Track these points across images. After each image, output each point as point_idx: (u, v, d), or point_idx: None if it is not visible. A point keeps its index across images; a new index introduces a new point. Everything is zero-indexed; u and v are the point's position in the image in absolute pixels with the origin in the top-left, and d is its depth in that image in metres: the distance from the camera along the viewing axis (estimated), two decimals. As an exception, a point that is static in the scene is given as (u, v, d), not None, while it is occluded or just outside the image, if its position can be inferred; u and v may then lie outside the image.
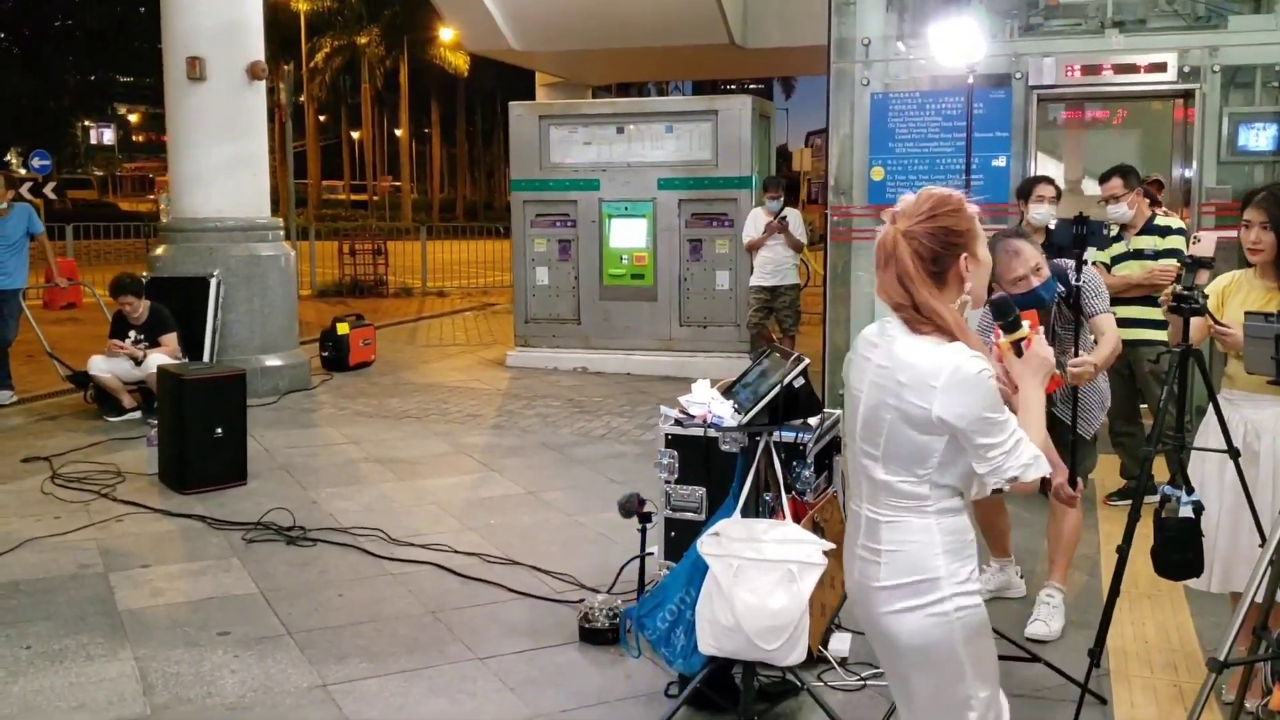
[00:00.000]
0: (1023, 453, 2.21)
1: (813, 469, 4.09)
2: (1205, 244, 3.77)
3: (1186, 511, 3.33)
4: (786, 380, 4.11)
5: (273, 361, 9.19)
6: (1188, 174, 7.63)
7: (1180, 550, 3.38)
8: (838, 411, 4.33)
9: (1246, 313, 3.36)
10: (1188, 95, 7.47)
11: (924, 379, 2.20)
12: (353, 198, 54.10)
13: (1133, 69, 7.43)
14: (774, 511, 3.97)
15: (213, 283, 8.88)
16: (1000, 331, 2.44)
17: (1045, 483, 4.56)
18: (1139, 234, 5.94)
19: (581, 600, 4.36)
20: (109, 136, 61.11)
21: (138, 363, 7.95)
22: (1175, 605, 4.51)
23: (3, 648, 4.15)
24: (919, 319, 2.24)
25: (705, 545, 3.43)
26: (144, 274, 8.84)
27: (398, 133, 54.30)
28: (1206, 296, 3.49)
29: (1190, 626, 4.33)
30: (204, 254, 8.99)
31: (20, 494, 6.21)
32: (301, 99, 40.81)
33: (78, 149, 55.72)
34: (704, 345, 10.35)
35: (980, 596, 2.32)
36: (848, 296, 7.98)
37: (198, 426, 6.27)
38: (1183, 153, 7.78)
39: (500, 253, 18.21)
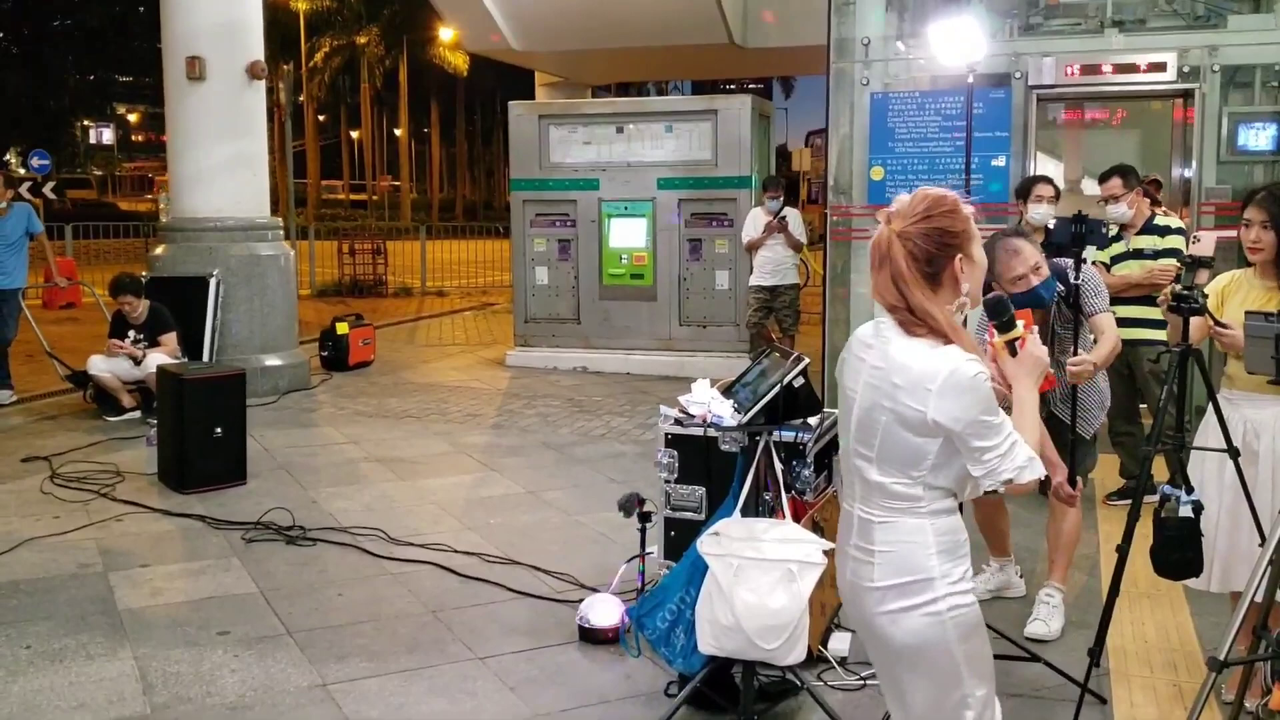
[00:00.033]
0: (1018, 455, 2.21)
1: (813, 468, 4.09)
2: (1205, 243, 3.77)
3: (1186, 511, 3.33)
4: (786, 380, 4.11)
5: (272, 361, 9.19)
6: (1187, 174, 7.63)
7: (1180, 550, 3.38)
8: (837, 411, 4.33)
9: (1247, 312, 3.36)
10: (1187, 95, 7.47)
11: (919, 382, 2.20)
12: (352, 197, 54.11)
13: (1132, 69, 7.43)
14: (774, 511, 3.97)
15: (212, 282, 8.88)
16: (995, 331, 2.44)
17: (1045, 482, 4.57)
18: (1138, 234, 5.94)
19: (581, 600, 4.36)
20: (108, 136, 61.02)
21: (137, 362, 7.95)
22: (1175, 605, 4.51)
23: (3, 647, 4.15)
24: (913, 321, 2.23)
25: (705, 545, 3.43)
26: (143, 274, 8.84)
27: (397, 132, 54.30)
28: (1206, 296, 3.49)
29: (1190, 626, 4.33)
30: (203, 254, 8.99)
31: (20, 494, 6.21)
32: (301, 99, 40.76)
33: (77, 149, 55.67)
34: (703, 345, 10.36)
35: (974, 596, 2.32)
36: (847, 296, 7.98)
37: (197, 426, 6.27)
38: (1182, 152, 7.78)
39: (500, 252, 18.22)
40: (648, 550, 4.24)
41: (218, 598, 4.68)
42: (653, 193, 10.37)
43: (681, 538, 4.32)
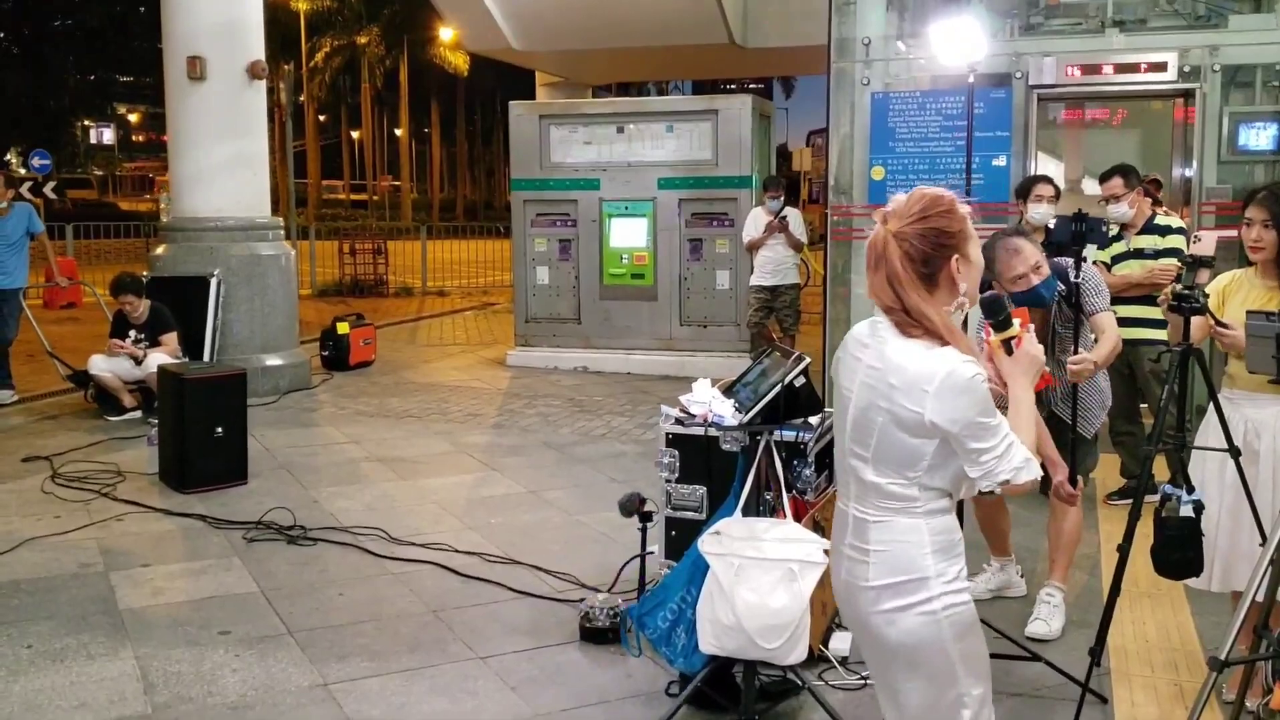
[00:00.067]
0: (1014, 456, 2.21)
1: (814, 468, 4.09)
2: (1206, 243, 3.77)
3: (1187, 511, 3.33)
4: (787, 379, 4.12)
5: (273, 361, 9.19)
6: (1188, 173, 7.63)
7: (1180, 549, 3.37)
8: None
9: (1248, 311, 3.36)
10: (1188, 95, 7.47)
11: (916, 383, 2.19)
12: (353, 197, 54.12)
13: (1133, 68, 7.43)
14: (775, 510, 3.98)
15: (213, 282, 8.88)
16: (991, 329, 2.43)
17: (1046, 482, 4.58)
18: (1139, 233, 5.94)
19: (582, 599, 4.36)
20: (109, 136, 61.04)
21: (138, 362, 7.95)
22: (1176, 604, 4.51)
23: (4, 647, 4.15)
24: (909, 322, 2.23)
25: (706, 544, 3.43)
26: (144, 273, 8.84)
27: (397, 132, 54.30)
28: (1207, 296, 3.49)
29: (1191, 625, 4.33)
30: (204, 253, 8.99)
31: (21, 493, 6.21)
32: (301, 99, 40.78)
33: (77, 149, 55.66)
34: (704, 345, 10.36)
35: (969, 595, 2.32)
36: (848, 296, 7.98)
37: (198, 426, 6.27)
38: (1183, 152, 7.78)
39: (500, 252, 18.22)
40: (649, 550, 4.24)
41: (219, 597, 4.69)
42: (653, 193, 10.37)
43: (682, 537, 4.32)
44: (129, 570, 5.00)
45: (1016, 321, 2.41)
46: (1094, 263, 5.38)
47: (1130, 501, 3.72)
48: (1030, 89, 7.61)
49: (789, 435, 4.10)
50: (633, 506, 4.11)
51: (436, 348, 12.42)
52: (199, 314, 8.76)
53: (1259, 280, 3.59)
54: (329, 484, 6.45)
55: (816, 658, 3.88)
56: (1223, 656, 2.92)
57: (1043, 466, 4.48)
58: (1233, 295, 3.63)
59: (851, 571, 2.35)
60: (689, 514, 4.46)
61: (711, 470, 4.39)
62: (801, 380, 4.17)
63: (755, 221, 9.57)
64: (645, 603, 3.73)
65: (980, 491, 2.27)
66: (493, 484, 6.53)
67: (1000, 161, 7.58)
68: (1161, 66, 7.35)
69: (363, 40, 44.50)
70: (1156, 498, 3.48)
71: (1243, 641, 3.15)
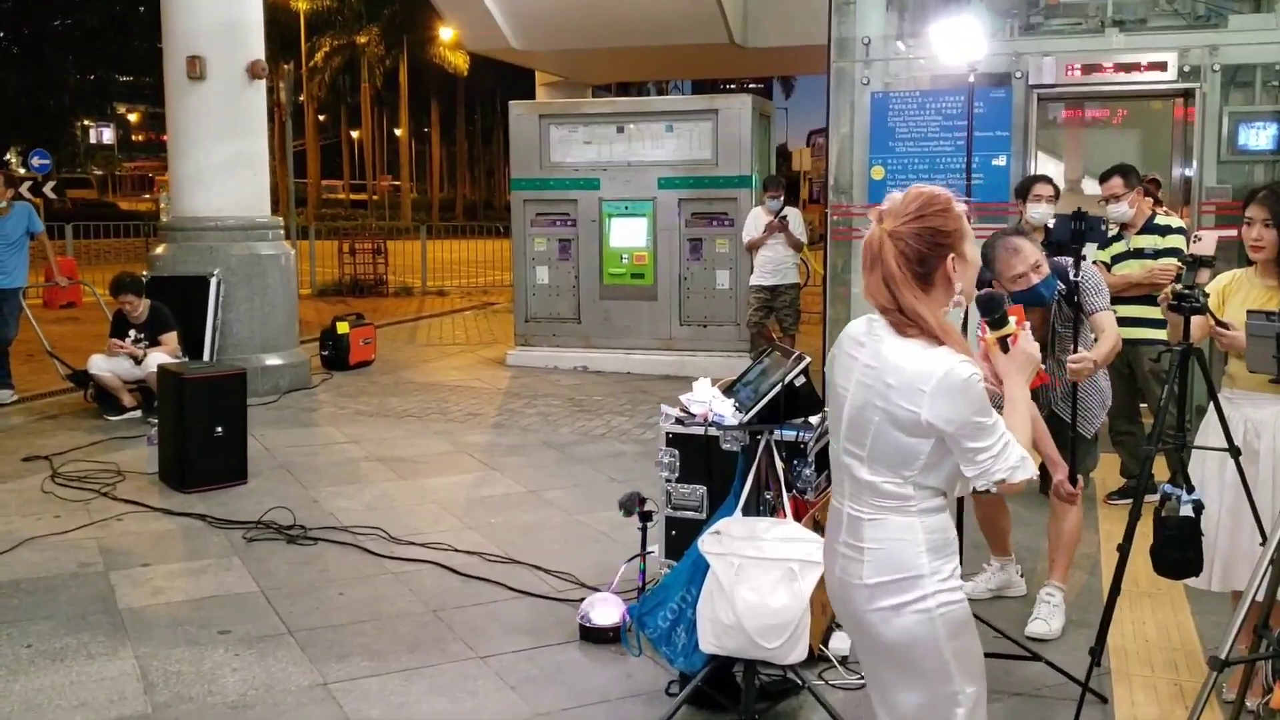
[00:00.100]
0: (1010, 455, 2.21)
1: (814, 467, 4.09)
2: (1206, 242, 3.77)
3: (1187, 510, 3.33)
4: (787, 379, 4.12)
5: (273, 360, 9.19)
6: (1188, 173, 7.64)
7: (1180, 549, 3.38)
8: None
9: (1249, 311, 3.36)
10: (1188, 94, 7.47)
11: (913, 383, 2.19)
12: (352, 197, 54.12)
13: (1133, 68, 7.43)
14: (775, 510, 3.98)
15: (213, 282, 8.88)
16: (987, 327, 2.43)
17: (1046, 481, 4.58)
18: (1139, 233, 5.94)
19: (582, 599, 4.36)
20: (108, 136, 61.07)
21: (138, 362, 7.95)
22: (1176, 604, 4.51)
23: (4, 646, 4.15)
24: (905, 322, 2.23)
25: (706, 544, 3.43)
26: (144, 273, 8.84)
27: (397, 132, 54.30)
28: (1207, 295, 3.49)
29: (1191, 625, 4.33)
30: (204, 253, 8.99)
31: (20, 493, 6.21)
32: (301, 98, 40.76)
33: (77, 148, 55.69)
34: (704, 344, 10.36)
35: (963, 593, 2.31)
36: (848, 296, 7.98)
37: (198, 425, 6.27)
38: (1183, 152, 7.79)
39: (500, 252, 18.22)
40: (649, 549, 4.24)
41: (219, 597, 4.69)
42: (653, 192, 10.37)
43: (682, 537, 4.33)
44: (129, 570, 5.00)
45: (1012, 319, 2.41)
46: (1094, 262, 5.37)
47: (1130, 501, 3.72)
48: (1030, 89, 7.61)
49: (789, 435, 4.10)
50: (633, 506, 4.11)
51: (436, 347, 12.42)
52: (199, 314, 8.76)
53: (1259, 280, 3.59)
54: (329, 483, 6.45)
55: (816, 657, 3.87)
56: (1223, 656, 2.92)
57: (1042, 466, 4.50)
58: (1233, 295, 3.63)
59: (846, 569, 2.35)
60: (689, 513, 4.46)
61: (712, 470, 4.39)
62: (801, 380, 4.17)
63: (755, 221, 9.57)
64: (645, 602, 3.73)
65: (975, 490, 2.27)
66: (493, 483, 6.53)
67: (1000, 161, 7.58)
68: (1161, 66, 7.36)
69: (362, 40, 44.49)
70: (1156, 497, 3.48)
71: (1243, 641, 3.15)
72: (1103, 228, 4.61)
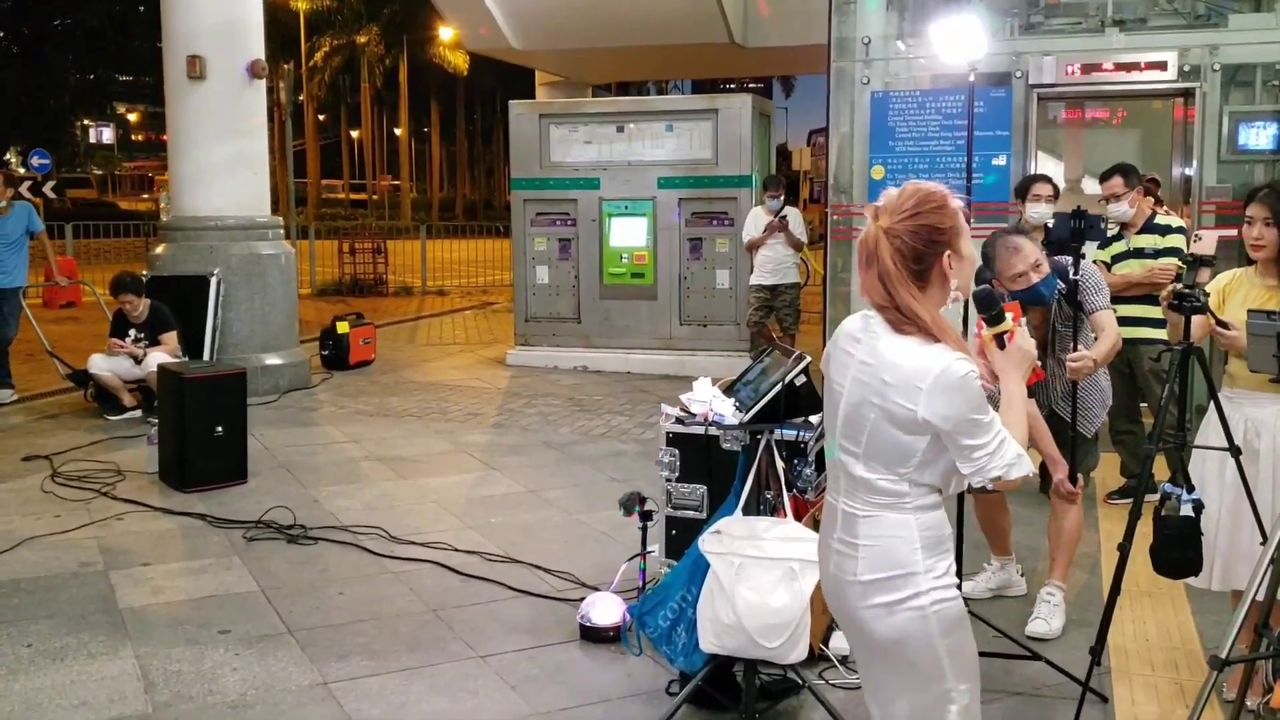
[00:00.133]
0: (1006, 452, 2.21)
1: (814, 467, 4.09)
2: (1206, 242, 3.77)
3: (1187, 510, 3.33)
4: (787, 378, 4.12)
5: (273, 360, 9.19)
6: (1188, 173, 7.64)
7: (1180, 548, 3.37)
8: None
9: (1250, 310, 3.36)
10: (1188, 94, 7.48)
11: (910, 380, 2.19)
12: (352, 197, 54.12)
13: (1133, 68, 7.44)
14: (775, 509, 3.98)
15: (213, 281, 8.88)
16: (983, 324, 2.43)
17: (1046, 480, 4.58)
18: (1139, 232, 5.94)
19: (583, 599, 4.36)
20: (108, 135, 61.00)
21: (138, 361, 7.95)
22: (1176, 603, 4.51)
23: (4, 646, 4.15)
24: (902, 319, 2.22)
25: (707, 543, 3.43)
26: (144, 273, 8.84)
27: (397, 132, 54.30)
28: (1208, 295, 3.49)
29: (1191, 624, 4.33)
30: (204, 253, 8.99)
31: (21, 492, 6.21)
32: (301, 98, 40.77)
33: (77, 148, 55.68)
34: (704, 344, 10.36)
35: (957, 591, 2.31)
36: (848, 295, 7.98)
37: (198, 425, 6.27)
38: (1183, 151, 7.79)
39: (500, 252, 18.22)
40: (649, 549, 4.24)
41: (219, 596, 4.68)
42: (653, 192, 10.37)
43: (683, 536, 4.33)
44: (129, 569, 5.00)
45: (1009, 316, 2.41)
46: (1095, 262, 5.37)
47: (1130, 501, 3.72)
48: (1030, 88, 7.61)
49: (789, 434, 4.10)
50: (633, 505, 4.11)
51: (436, 347, 12.42)
52: (199, 313, 8.76)
53: (1259, 279, 3.59)
54: (329, 483, 6.45)
55: (817, 657, 3.87)
56: (1223, 655, 2.92)
57: (1043, 465, 4.50)
58: (1233, 294, 3.63)
59: (840, 566, 2.35)
60: (689, 513, 4.46)
61: (712, 469, 4.39)
62: (802, 379, 4.17)
63: (755, 221, 9.57)
64: (646, 602, 3.73)
65: (971, 488, 2.27)
66: (493, 483, 6.53)
67: (1000, 161, 7.59)
68: (1161, 66, 7.36)
69: (362, 40, 44.49)
70: (1156, 497, 3.48)
71: (1243, 640, 3.15)
72: (1102, 226, 4.61)
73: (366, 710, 3.67)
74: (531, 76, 20.41)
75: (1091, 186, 7.46)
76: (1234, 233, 3.86)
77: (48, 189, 17.36)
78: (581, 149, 10.63)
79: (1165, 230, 5.91)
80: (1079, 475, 4.29)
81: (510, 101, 11.43)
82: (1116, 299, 4.87)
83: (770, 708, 3.60)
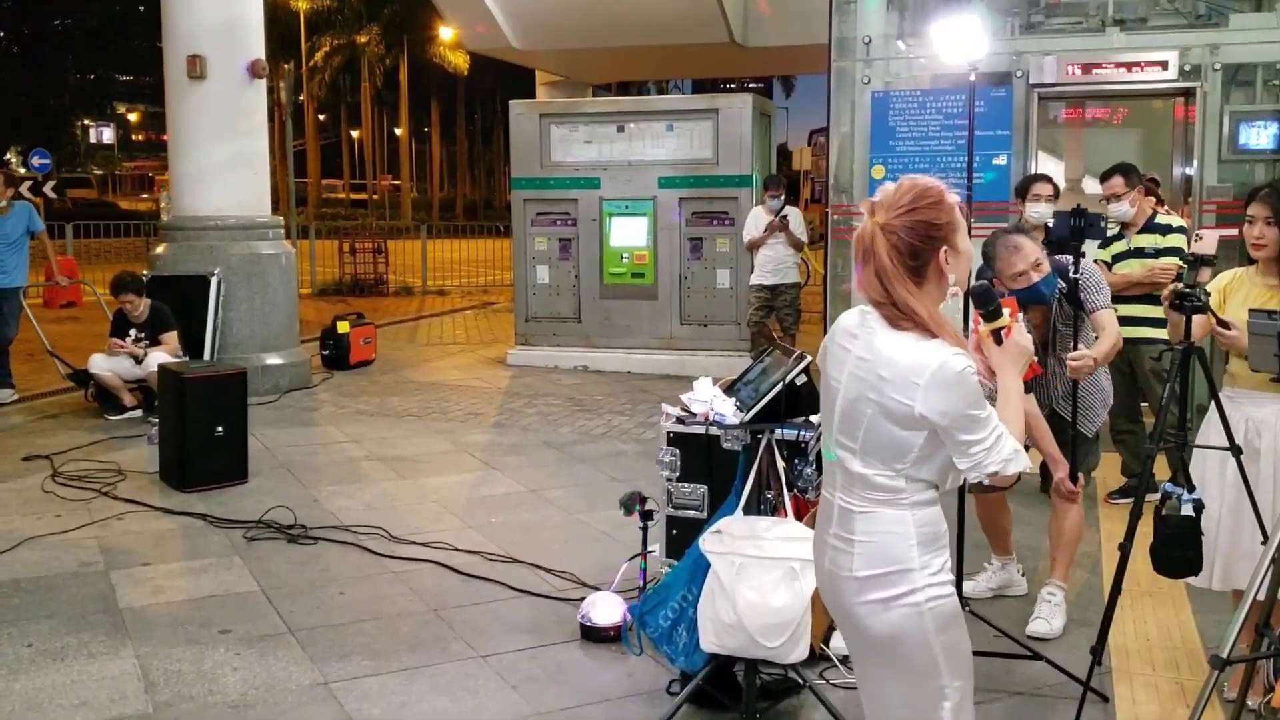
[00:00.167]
0: (1003, 447, 2.21)
1: (815, 466, 4.09)
2: (1207, 241, 3.77)
3: (1187, 509, 3.33)
4: (788, 378, 4.12)
5: (273, 360, 9.19)
6: (1189, 172, 7.64)
7: (1180, 548, 3.37)
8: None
9: (1251, 310, 3.36)
10: (1188, 93, 7.48)
11: (907, 376, 2.19)
12: (352, 197, 54.13)
13: (1133, 67, 7.44)
14: (776, 509, 3.98)
15: (213, 281, 8.88)
16: (980, 320, 2.43)
17: (1046, 480, 4.57)
18: (1140, 232, 5.94)
19: (583, 598, 4.35)
20: (109, 135, 61.00)
21: (138, 361, 7.95)
22: (1177, 603, 4.51)
23: (4, 645, 4.15)
24: (898, 315, 2.22)
25: (707, 543, 3.43)
26: (144, 272, 8.84)
27: (397, 131, 54.29)
28: (1208, 294, 3.49)
29: (1192, 624, 4.33)
30: (204, 252, 8.99)
31: (21, 492, 6.21)
32: (301, 98, 40.79)
33: (77, 148, 55.69)
34: (705, 344, 10.36)
35: (952, 587, 2.31)
36: (848, 295, 7.98)
37: (198, 425, 6.26)
38: (1183, 151, 7.79)
39: (500, 251, 18.22)
40: (649, 548, 4.24)
41: (219, 596, 4.68)
42: (654, 191, 10.37)
43: (683, 536, 4.33)
44: (129, 569, 5.00)
45: (1006, 311, 2.41)
46: (1096, 261, 5.37)
47: (1131, 500, 3.72)
48: (1031, 88, 7.62)
49: (790, 434, 4.10)
50: (633, 505, 4.11)
51: (437, 347, 12.42)
52: (199, 313, 8.76)
53: (1259, 278, 3.59)
54: (329, 483, 6.45)
55: (818, 656, 3.87)
56: (1224, 655, 2.92)
57: (1043, 465, 4.50)
58: (1233, 294, 3.63)
59: (835, 561, 2.35)
60: (690, 513, 4.46)
61: (712, 469, 4.39)
62: (802, 379, 4.17)
63: (756, 220, 9.57)
64: (646, 601, 3.73)
65: (970, 487, 2.27)
66: (493, 483, 6.53)
67: (1001, 160, 7.59)
68: (1162, 65, 7.36)
69: (363, 39, 44.49)
70: (1157, 496, 3.48)
71: (1244, 640, 3.15)
72: (1102, 224, 4.61)
73: (367, 710, 3.67)
74: (532, 76, 20.41)
75: (1092, 186, 7.46)
76: (1235, 232, 3.86)
77: (48, 189, 17.36)
78: (582, 149, 10.63)
79: (1166, 230, 5.91)
80: (1080, 475, 4.29)
81: (510, 101, 11.43)
82: (1117, 298, 4.87)
83: (771, 707, 3.60)
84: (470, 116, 57.39)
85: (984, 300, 2.40)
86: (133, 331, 8.08)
